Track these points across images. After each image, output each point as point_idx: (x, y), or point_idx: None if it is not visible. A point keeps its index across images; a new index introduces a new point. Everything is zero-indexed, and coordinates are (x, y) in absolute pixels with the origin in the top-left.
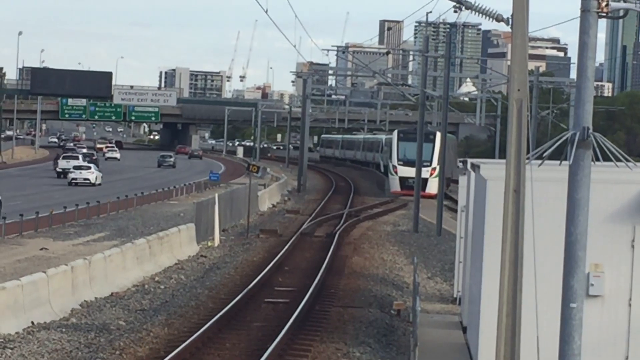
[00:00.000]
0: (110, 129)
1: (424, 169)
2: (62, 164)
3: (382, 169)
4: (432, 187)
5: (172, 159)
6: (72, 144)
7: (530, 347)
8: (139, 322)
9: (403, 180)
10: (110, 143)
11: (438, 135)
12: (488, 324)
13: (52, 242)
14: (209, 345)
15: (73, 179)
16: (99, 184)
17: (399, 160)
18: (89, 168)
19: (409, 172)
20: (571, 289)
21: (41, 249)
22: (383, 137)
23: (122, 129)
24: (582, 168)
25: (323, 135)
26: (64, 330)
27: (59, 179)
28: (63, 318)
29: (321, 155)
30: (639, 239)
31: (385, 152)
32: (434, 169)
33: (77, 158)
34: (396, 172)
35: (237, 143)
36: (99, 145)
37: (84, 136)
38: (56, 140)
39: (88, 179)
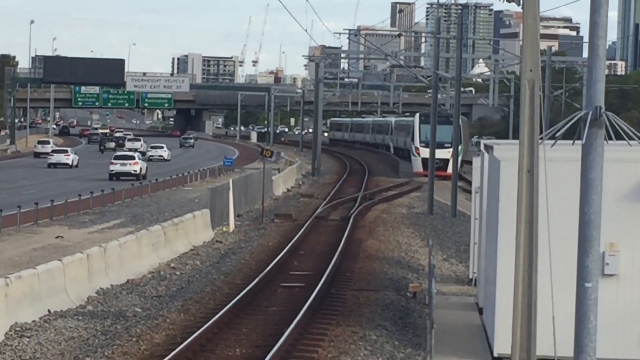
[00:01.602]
0: (123, 118)
1: (445, 150)
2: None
3: (392, 150)
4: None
5: (192, 140)
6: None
7: (546, 327)
8: (155, 309)
9: (425, 161)
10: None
11: (461, 117)
12: (504, 305)
13: (68, 230)
14: (225, 331)
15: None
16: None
17: (421, 142)
18: (134, 158)
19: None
20: (586, 268)
21: (57, 237)
22: (393, 119)
23: (136, 119)
24: (595, 147)
25: (332, 119)
26: (80, 317)
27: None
28: (79, 306)
29: (330, 138)
30: None
31: (406, 135)
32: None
33: (132, 158)
34: (419, 154)
35: (251, 128)
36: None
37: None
38: (54, 127)
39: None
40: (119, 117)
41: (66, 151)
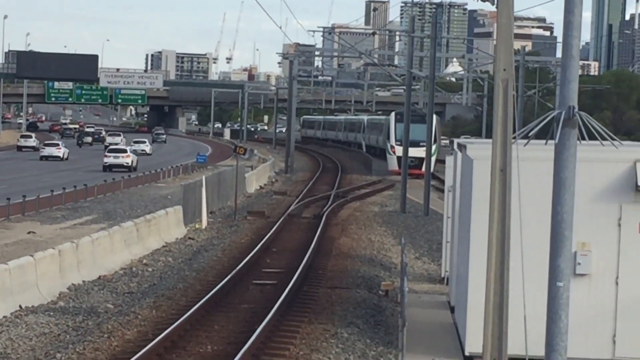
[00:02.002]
0: (101, 114)
1: (420, 149)
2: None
3: (364, 148)
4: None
5: (164, 136)
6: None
7: (518, 326)
8: (126, 305)
9: (401, 159)
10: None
11: (434, 116)
12: (475, 304)
13: (40, 226)
14: (197, 328)
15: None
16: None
17: (396, 140)
18: (126, 151)
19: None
20: (558, 267)
21: (29, 233)
22: (365, 117)
23: (113, 116)
24: (568, 147)
25: (305, 117)
26: (51, 313)
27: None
28: (51, 302)
29: (303, 136)
30: (626, 218)
31: (379, 133)
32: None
33: (125, 151)
34: (394, 152)
35: (229, 125)
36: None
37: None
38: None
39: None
40: (95, 114)
41: (57, 144)
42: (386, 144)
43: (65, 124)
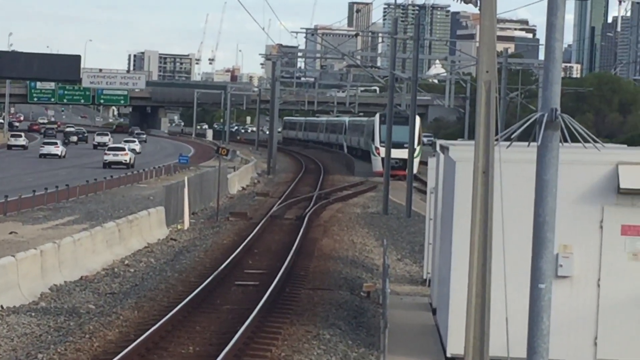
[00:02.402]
0: (87, 116)
1: (404, 150)
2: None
3: (345, 149)
4: (414, 167)
5: (144, 136)
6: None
7: (500, 328)
8: (108, 306)
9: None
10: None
11: (417, 118)
12: (457, 305)
13: (21, 226)
14: (178, 328)
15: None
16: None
17: (381, 142)
18: (124, 150)
19: (392, 153)
20: (540, 269)
21: (10, 233)
22: (347, 119)
23: (99, 117)
24: (550, 149)
25: (286, 118)
26: (33, 314)
27: (32, 163)
28: (32, 302)
29: (284, 137)
30: (608, 220)
31: (360, 134)
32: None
33: (123, 149)
34: (379, 153)
35: (216, 126)
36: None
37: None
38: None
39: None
40: (82, 116)
41: (56, 143)
42: (370, 145)
43: (43, 123)
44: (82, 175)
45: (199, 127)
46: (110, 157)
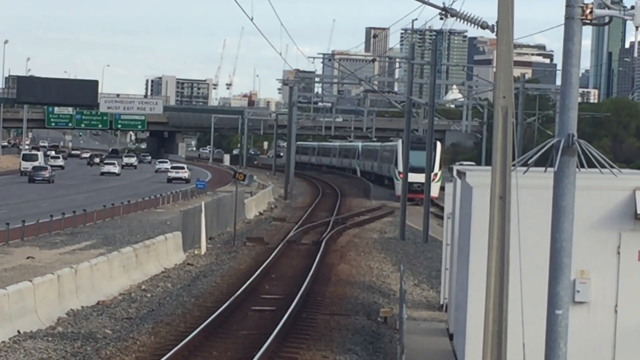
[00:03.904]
0: (98, 141)
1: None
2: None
3: (358, 173)
4: (434, 191)
5: (149, 157)
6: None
7: (517, 354)
8: (125, 331)
9: (409, 184)
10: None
11: (438, 144)
12: (474, 331)
13: (39, 251)
14: (195, 354)
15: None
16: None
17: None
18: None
19: (414, 177)
20: (557, 295)
21: (27, 258)
22: (360, 144)
23: (119, 143)
24: (567, 175)
25: (298, 142)
26: (50, 339)
27: (44, 188)
28: (49, 327)
29: (297, 161)
30: (625, 246)
31: (379, 159)
32: (436, 174)
33: (183, 168)
34: (401, 177)
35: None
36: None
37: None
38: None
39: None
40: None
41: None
42: (393, 170)
43: (44, 146)
44: (152, 190)
45: (207, 149)
46: (172, 174)
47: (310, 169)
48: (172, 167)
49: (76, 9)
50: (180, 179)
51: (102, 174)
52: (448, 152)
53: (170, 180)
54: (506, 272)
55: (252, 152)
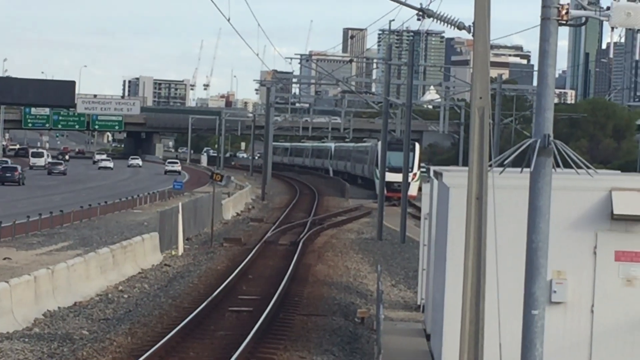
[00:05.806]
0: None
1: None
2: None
3: (331, 173)
4: (413, 190)
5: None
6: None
7: (493, 354)
8: (102, 332)
9: (389, 184)
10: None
11: (417, 145)
12: (451, 331)
13: (15, 252)
14: (172, 355)
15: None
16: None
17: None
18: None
19: (393, 177)
20: (533, 295)
21: (4, 259)
22: (332, 145)
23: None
24: (543, 175)
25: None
26: (26, 340)
27: (23, 189)
28: (26, 328)
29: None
30: (601, 246)
31: (362, 160)
32: (415, 174)
33: (177, 162)
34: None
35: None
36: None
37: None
38: None
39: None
40: (87, 143)
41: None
42: (374, 170)
43: (13, 148)
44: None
45: (182, 151)
46: (169, 167)
47: (283, 169)
48: (168, 162)
49: (53, 9)
50: (174, 171)
51: (100, 168)
52: (425, 152)
53: (166, 172)
54: (483, 272)
55: (230, 154)
